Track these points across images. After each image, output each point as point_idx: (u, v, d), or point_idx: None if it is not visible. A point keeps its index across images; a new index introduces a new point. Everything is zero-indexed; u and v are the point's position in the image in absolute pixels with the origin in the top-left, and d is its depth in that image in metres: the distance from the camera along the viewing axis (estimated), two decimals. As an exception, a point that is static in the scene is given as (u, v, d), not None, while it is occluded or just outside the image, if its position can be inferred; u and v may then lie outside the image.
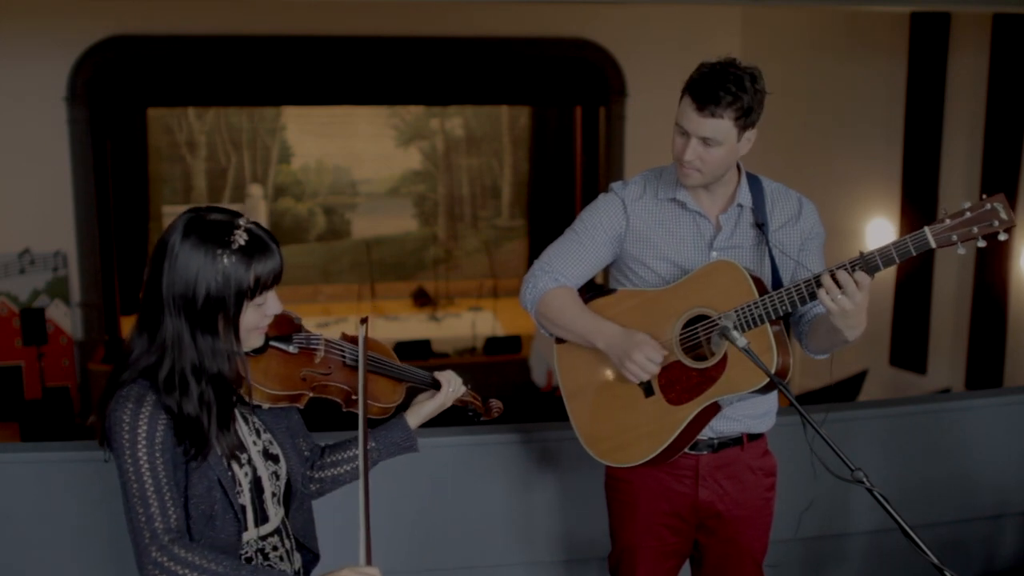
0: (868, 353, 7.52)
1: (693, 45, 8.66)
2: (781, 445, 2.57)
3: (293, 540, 1.95)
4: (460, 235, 12.34)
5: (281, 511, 1.91)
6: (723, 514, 2.48)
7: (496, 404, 2.29)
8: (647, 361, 2.28)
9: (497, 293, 11.28)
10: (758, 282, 2.26)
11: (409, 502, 3.16)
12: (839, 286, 2.08)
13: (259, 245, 1.71)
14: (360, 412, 1.87)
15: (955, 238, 2.02)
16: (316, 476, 2.04)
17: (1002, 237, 2.01)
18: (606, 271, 2.60)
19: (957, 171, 6.98)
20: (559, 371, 2.53)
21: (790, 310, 2.18)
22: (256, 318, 1.77)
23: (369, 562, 1.70)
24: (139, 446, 1.66)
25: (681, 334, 2.32)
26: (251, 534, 1.82)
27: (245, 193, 11.57)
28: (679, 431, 2.31)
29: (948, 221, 2.03)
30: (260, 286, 1.72)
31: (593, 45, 9.82)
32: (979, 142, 6.71)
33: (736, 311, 2.21)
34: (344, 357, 2.00)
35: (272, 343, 1.90)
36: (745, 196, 2.38)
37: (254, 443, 1.85)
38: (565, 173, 11.37)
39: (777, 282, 2.33)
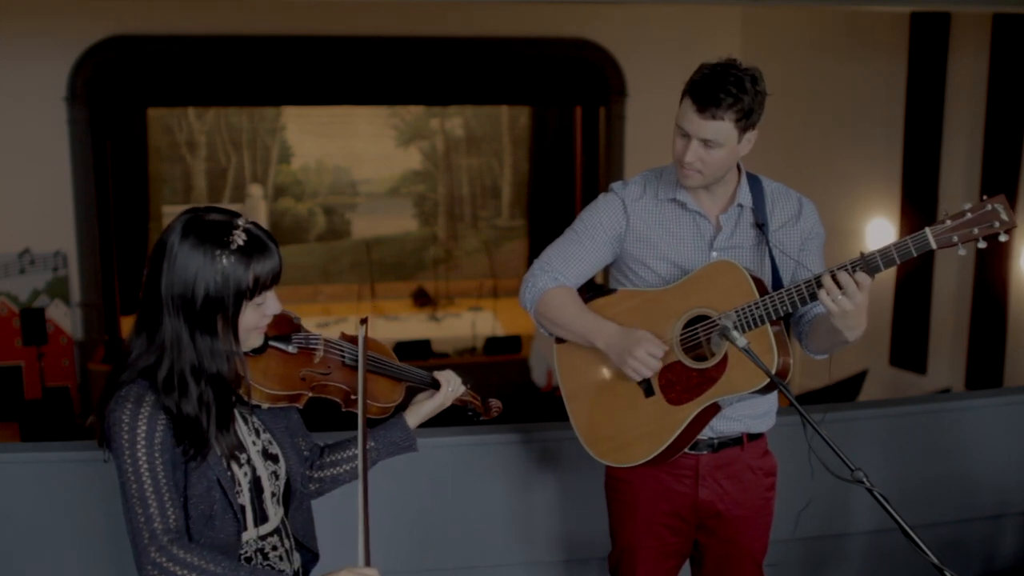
0: (868, 353, 7.52)
1: (693, 45, 8.67)
2: (781, 445, 2.57)
3: (292, 540, 1.95)
4: (460, 235, 12.34)
5: (280, 511, 1.91)
6: (723, 514, 2.48)
7: (495, 404, 2.29)
8: (648, 357, 2.28)
9: (497, 293, 11.29)
10: (759, 282, 2.26)
11: (409, 502, 3.16)
12: (840, 287, 2.08)
13: (258, 245, 1.71)
14: (359, 412, 1.87)
15: (956, 239, 2.02)
16: (315, 476, 2.04)
17: (1003, 238, 2.02)
18: (606, 271, 2.60)
19: (957, 171, 6.98)
20: (559, 371, 2.53)
21: (791, 311, 2.18)
22: (255, 318, 1.77)
23: (368, 563, 1.70)
24: (138, 446, 1.66)
25: (681, 334, 2.31)
26: (250, 534, 1.82)
27: (245, 193, 11.57)
28: (679, 431, 2.31)
29: (949, 222, 2.03)
30: (259, 286, 1.72)
31: (593, 45, 9.82)
32: (979, 142, 6.71)
33: (736, 311, 2.21)
34: (343, 357, 2.00)
35: (271, 343, 1.90)
36: (745, 196, 2.38)
37: (253, 443, 1.85)
38: (565, 173, 11.37)
39: (777, 282, 2.33)
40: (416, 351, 8.60)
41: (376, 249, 11.95)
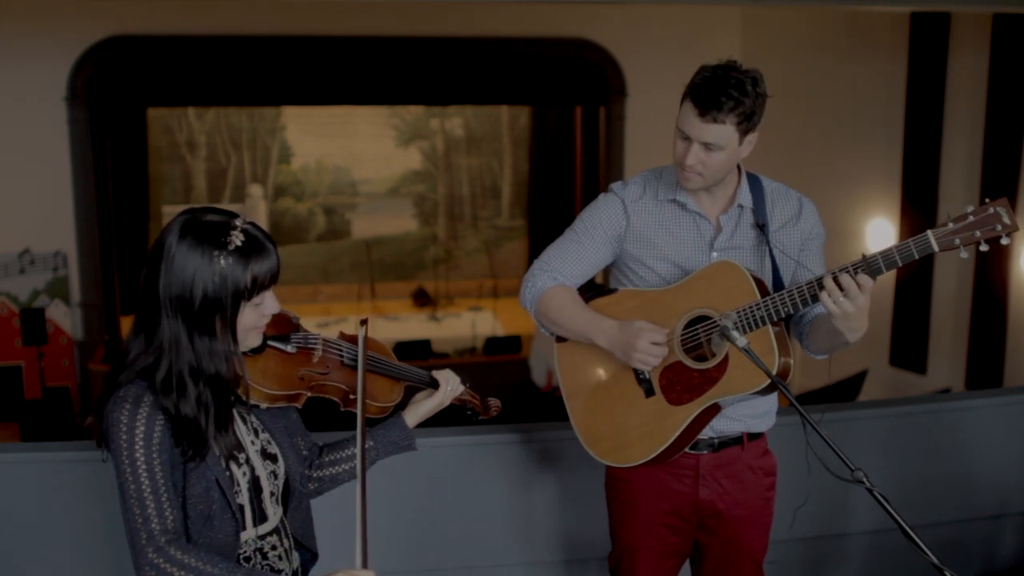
0: (868, 353, 7.52)
1: (693, 45, 8.69)
2: (781, 445, 2.57)
3: (291, 539, 1.95)
4: (460, 235, 12.34)
5: (279, 510, 1.90)
6: (723, 514, 2.47)
7: (494, 403, 2.29)
8: (652, 346, 2.27)
9: (497, 293, 11.29)
10: (760, 283, 2.25)
11: (408, 502, 3.16)
12: (841, 288, 2.08)
13: (255, 245, 1.71)
14: (358, 411, 1.86)
15: (958, 241, 2.01)
16: (314, 475, 2.04)
17: (1004, 241, 2.01)
18: (606, 271, 2.60)
19: (957, 171, 6.98)
20: (559, 371, 2.52)
21: (792, 312, 2.17)
22: (254, 318, 1.76)
23: (365, 564, 1.68)
24: (136, 447, 1.66)
25: (682, 335, 2.31)
26: (249, 533, 1.82)
27: (245, 193, 11.58)
28: (679, 431, 2.31)
29: (951, 224, 2.02)
30: (257, 286, 1.72)
31: (593, 45, 9.82)
32: (979, 142, 6.71)
33: (737, 312, 2.20)
34: (342, 356, 2.00)
35: (270, 343, 1.90)
36: (745, 197, 2.37)
37: (252, 443, 1.85)
38: (565, 173, 11.37)
39: (778, 283, 2.33)
40: (416, 351, 8.60)
41: (376, 249, 11.95)
